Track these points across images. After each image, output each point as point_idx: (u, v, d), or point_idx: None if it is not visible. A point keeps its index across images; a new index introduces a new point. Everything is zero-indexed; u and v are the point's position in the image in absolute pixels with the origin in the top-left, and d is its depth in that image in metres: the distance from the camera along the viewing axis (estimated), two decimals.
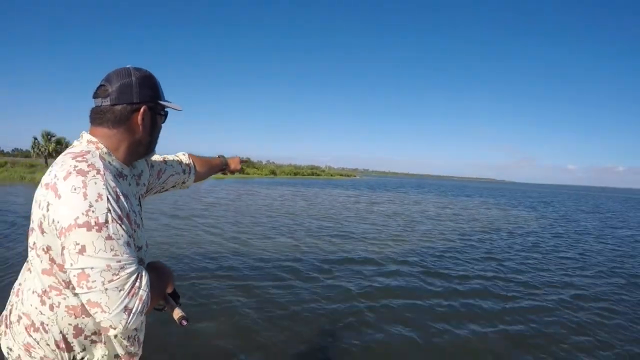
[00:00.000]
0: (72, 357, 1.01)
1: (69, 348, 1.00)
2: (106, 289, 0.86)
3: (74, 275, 0.87)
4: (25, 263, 1.07)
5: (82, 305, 0.96)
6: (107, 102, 1.00)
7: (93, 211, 0.86)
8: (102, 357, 1.04)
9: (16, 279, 1.11)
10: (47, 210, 0.89)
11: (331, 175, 70.83)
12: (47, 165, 26.93)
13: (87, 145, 1.00)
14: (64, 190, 0.87)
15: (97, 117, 1.02)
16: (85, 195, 0.86)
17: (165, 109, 1.12)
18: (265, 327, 3.56)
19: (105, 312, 0.86)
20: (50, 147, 32.20)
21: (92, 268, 0.85)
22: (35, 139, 32.99)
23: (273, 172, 51.72)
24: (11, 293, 1.09)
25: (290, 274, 5.31)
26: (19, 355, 1.01)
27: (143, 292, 0.90)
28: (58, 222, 0.87)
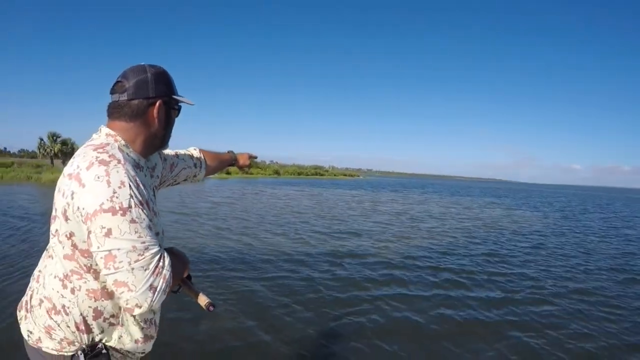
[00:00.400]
0: (91, 339, 1.05)
1: (89, 330, 1.04)
2: (132, 269, 0.90)
3: (101, 258, 0.91)
4: (45, 251, 1.11)
5: (102, 288, 1.01)
6: (124, 97, 1.05)
7: (117, 197, 0.91)
8: (119, 338, 1.08)
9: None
10: (72, 198, 0.94)
11: (335, 175, 70.76)
12: (53, 166, 27.16)
13: (106, 138, 1.05)
14: (88, 179, 0.93)
15: (115, 112, 1.07)
16: (108, 183, 0.92)
17: (179, 104, 1.17)
18: (279, 315, 3.69)
19: (132, 290, 0.91)
20: (55, 148, 32.34)
21: (118, 249, 0.90)
22: (41, 139, 33.12)
23: (277, 172, 51.78)
24: (31, 279, 1.13)
25: (300, 266, 5.46)
26: (40, 337, 1.05)
27: (166, 272, 0.95)
28: (83, 209, 0.92)
